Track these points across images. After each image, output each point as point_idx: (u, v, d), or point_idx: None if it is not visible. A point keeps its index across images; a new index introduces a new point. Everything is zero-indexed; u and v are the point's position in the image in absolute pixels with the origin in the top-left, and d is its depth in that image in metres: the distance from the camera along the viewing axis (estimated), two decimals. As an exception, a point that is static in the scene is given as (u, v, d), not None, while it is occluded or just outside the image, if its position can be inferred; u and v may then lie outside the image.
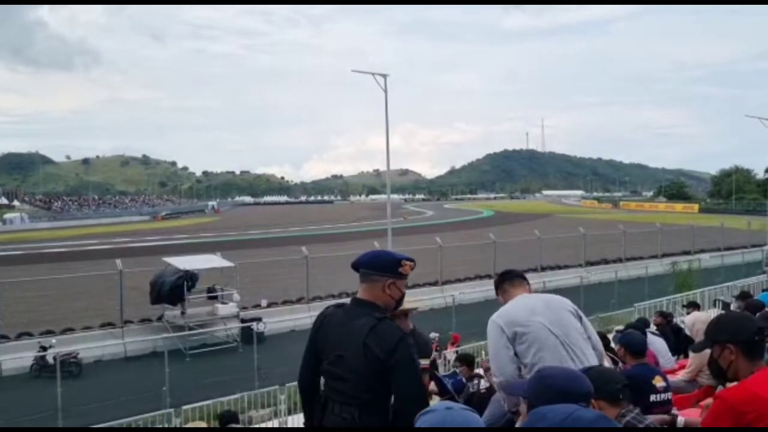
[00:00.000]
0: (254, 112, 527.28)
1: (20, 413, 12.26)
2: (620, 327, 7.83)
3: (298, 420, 9.70)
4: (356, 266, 2.61)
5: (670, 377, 4.34)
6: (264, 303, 20.71)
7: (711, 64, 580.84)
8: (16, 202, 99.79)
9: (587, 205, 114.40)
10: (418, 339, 3.13)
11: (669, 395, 3.75)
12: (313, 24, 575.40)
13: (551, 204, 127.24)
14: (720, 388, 4.16)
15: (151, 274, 19.20)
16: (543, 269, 26.41)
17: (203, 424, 6.41)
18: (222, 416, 6.88)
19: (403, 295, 2.58)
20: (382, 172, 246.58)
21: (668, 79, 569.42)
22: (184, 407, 9.46)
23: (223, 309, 18.74)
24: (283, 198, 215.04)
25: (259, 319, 17.66)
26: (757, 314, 5.14)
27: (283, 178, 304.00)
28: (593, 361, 2.94)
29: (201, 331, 17.48)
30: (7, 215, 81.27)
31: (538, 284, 18.91)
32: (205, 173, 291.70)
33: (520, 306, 3.05)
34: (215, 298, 19.30)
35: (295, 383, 10.19)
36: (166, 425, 9.27)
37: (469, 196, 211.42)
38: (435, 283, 23.17)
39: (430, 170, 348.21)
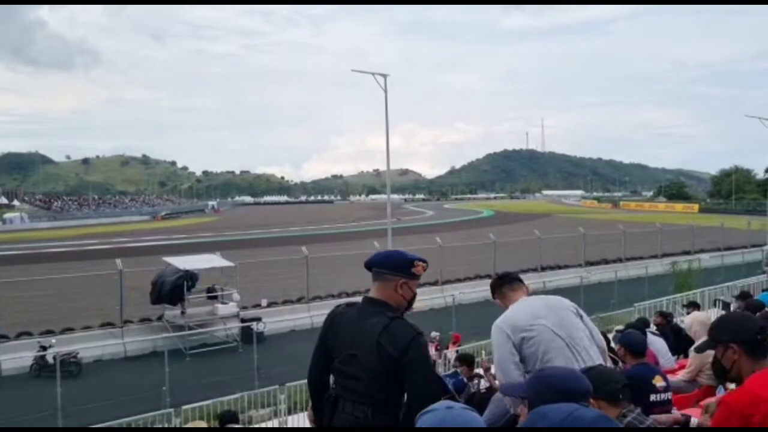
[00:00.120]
0: (254, 112, 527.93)
1: (20, 413, 12.25)
2: (620, 327, 7.81)
3: (298, 420, 9.71)
4: (369, 265, 2.62)
5: (670, 377, 4.34)
6: (264, 303, 20.71)
7: (711, 64, 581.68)
8: (16, 202, 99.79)
9: (587, 205, 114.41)
10: None
11: (669, 395, 3.75)
12: (313, 24, 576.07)
13: (551, 204, 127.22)
14: (720, 388, 4.17)
15: (151, 274, 19.19)
16: (543, 269, 26.42)
17: (203, 424, 6.40)
18: (222, 416, 6.87)
19: (414, 296, 2.59)
20: (382, 172, 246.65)
21: (668, 79, 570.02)
22: (184, 407, 9.46)
23: (223, 309, 18.74)
24: (283, 198, 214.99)
25: (258, 319, 17.65)
26: (757, 314, 5.13)
27: (283, 178, 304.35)
28: (598, 361, 2.95)
29: (201, 330, 17.47)
30: (7, 215, 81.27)
31: (538, 284, 18.94)
32: (205, 173, 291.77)
33: (523, 310, 3.04)
34: (215, 297, 19.30)
35: (295, 383, 10.17)
36: (166, 425, 9.26)
37: (469, 196, 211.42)
38: (435, 283, 23.16)
39: (430, 170, 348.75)
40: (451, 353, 12.51)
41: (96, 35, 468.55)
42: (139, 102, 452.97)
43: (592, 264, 27.88)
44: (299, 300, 21.24)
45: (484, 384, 5.91)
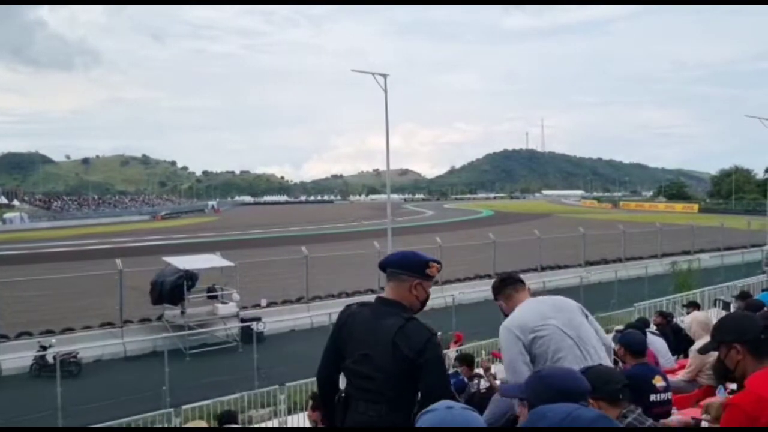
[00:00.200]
0: (254, 112, 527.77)
1: (20, 413, 12.25)
2: (620, 327, 7.81)
3: (297, 420, 9.71)
4: (384, 265, 2.64)
5: (669, 377, 4.34)
6: (264, 303, 20.71)
7: (711, 64, 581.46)
8: (15, 202, 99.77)
9: (587, 205, 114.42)
10: None
11: (669, 395, 3.75)
12: (313, 24, 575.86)
13: (551, 204, 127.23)
14: (720, 388, 4.17)
15: (150, 274, 19.19)
16: (543, 269, 26.43)
17: (203, 424, 6.39)
18: (221, 416, 6.87)
19: (428, 296, 2.61)
20: (382, 171, 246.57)
21: (668, 79, 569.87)
22: (184, 407, 9.46)
23: (223, 309, 18.74)
24: (283, 198, 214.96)
25: (258, 319, 17.64)
26: (757, 314, 5.13)
27: (283, 177, 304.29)
28: (607, 360, 2.97)
29: (201, 330, 17.46)
30: (7, 215, 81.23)
31: (537, 284, 18.93)
32: (204, 173, 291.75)
33: (531, 311, 3.04)
34: (215, 297, 19.30)
35: (295, 383, 10.15)
36: (166, 425, 9.27)
37: (468, 196, 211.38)
38: (435, 283, 23.00)
39: (430, 170, 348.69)
40: (452, 353, 12.50)
41: (96, 35, 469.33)
42: (139, 102, 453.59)
43: (591, 264, 27.88)
44: (299, 300, 21.24)
45: (484, 384, 5.91)
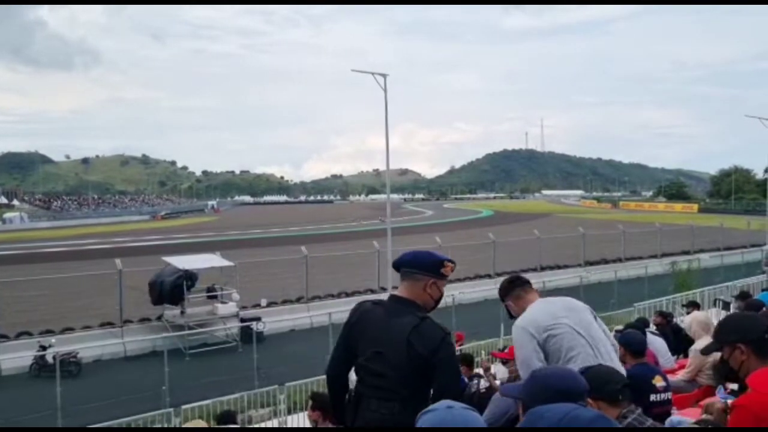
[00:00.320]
0: (254, 111, 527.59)
1: (19, 413, 12.25)
2: (620, 327, 7.81)
3: (297, 419, 9.71)
4: (398, 265, 2.65)
5: (669, 377, 4.34)
6: (263, 302, 20.71)
7: (711, 64, 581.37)
8: (15, 202, 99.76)
9: (587, 205, 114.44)
10: None
11: (669, 395, 3.75)
12: (313, 24, 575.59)
13: (551, 204, 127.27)
14: (720, 388, 4.17)
15: (150, 274, 19.19)
16: (542, 269, 26.43)
17: (202, 423, 6.39)
18: (220, 416, 6.87)
19: (441, 296, 2.63)
20: (382, 171, 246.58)
21: (668, 79, 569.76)
22: (184, 407, 9.46)
23: (223, 308, 18.73)
24: (283, 198, 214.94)
25: (258, 319, 17.65)
26: (759, 314, 5.13)
27: (282, 177, 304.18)
28: (617, 360, 3.02)
29: (200, 330, 17.45)
30: (7, 215, 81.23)
31: (537, 284, 18.71)
32: (204, 173, 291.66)
33: (543, 310, 3.06)
34: (215, 297, 19.29)
35: (295, 383, 10.13)
36: (165, 425, 9.27)
37: (468, 195, 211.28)
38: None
39: (429, 170, 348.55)
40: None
41: (96, 35, 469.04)
42: (139, 102, 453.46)
43: (591, 264, 27.89)
44: (299, 300, 21.24)
45: (484, 384, 5.90)
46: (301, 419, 9.30)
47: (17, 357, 15.01)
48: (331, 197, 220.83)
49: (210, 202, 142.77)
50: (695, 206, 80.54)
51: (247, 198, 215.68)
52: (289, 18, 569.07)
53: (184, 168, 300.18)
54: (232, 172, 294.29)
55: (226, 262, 19.79)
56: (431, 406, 1.67)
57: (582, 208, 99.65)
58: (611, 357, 2.96)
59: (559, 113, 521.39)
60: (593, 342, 2.95)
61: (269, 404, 10.45)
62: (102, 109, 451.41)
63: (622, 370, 3.10)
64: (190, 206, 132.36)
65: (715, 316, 8.68)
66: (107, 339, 17.11)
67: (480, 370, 6.70)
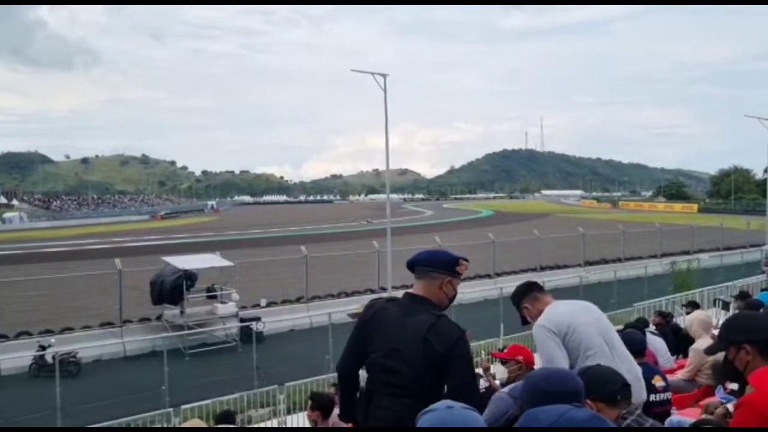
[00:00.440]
0: (254, 111, 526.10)
1: (19, 413, 12.24)
2: (619, 327, 7.80)
3: (297, 419, 9.71)
4: (413, 264, 2.67)
5: (669, 377, 4.34)
6: (263, 302, 20.70)
7: (711, 64, 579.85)
8: (15, 202, 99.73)
9: (586, 205, 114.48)
10: None
11: (668, 395, 3.75)
12: (313, 24, 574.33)
13: (550, 204, 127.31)
14: (719, 388, 4.17)
15: (150, 274, 19.20)
16: (542, 269, 26.43)
17: (201, 423, 6.37)
18: (219, 416, 6.86)
19: (455, 294, 2.66)
20: (382, 171, 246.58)
21: (668, 79, 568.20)
22: (183, 407, 9.46)
23: (222, 308, 18.73)
24: (283, 198, 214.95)
25: (258, 319, 17.66)
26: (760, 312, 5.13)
27: (282, 177, 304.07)
28: (634, 361, 3.14)
29: (200, 330, 17.46)
30: (6, 214, 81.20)
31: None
32: (204, 173, 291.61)
33: (562, 310, 3.14)
34: (214, 297, 19.29)
35: (294, 383, 10.08)
36: (165, 425, 9.27)
37: (468, 195, 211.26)
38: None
39: (429, 170, 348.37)
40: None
41: (96, 35, 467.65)
42: (139, 102, 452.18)
43: (591, 264, 27.90)
44: (298, 300, 21.24)
45: (483, 384, 5.90)
46: (301, 419, 9.30)
47: (17, 357, 15.01)
48: (331, 197, 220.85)
49: (209, 202, 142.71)
50: (695, 206, 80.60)
51: (247, 198, 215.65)
52: (289, 18, 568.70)
53: (184, 168, 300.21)
54: (232, 172, 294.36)
55: (225, 262, 19.79)
56: (431, 406, 1.67)
57: (582, 208, 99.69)
58: (628, 358, 3.06)
59: (559, 113, 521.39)
60: (610, 342, 3.04)
61: (269, 404, 10.45)
62: (102, 109, 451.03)
63: (639, 371, 3.15)
64: (190, 206, 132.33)
65: (714, 316, 8.69)
66: (107, 339, 17.11)
67: (479, 370, 6.70)
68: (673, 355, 6.50)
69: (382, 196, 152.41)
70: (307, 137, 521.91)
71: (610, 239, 30.66)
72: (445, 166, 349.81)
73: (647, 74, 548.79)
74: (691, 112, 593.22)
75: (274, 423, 10.15)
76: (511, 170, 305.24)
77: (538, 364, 3.38)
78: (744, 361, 2.24)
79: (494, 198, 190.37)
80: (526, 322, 3.33)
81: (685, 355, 6.01)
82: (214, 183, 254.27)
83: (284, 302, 21.25)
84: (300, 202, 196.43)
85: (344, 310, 15.76)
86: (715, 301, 12.63)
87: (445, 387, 2.42)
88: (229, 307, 18.82)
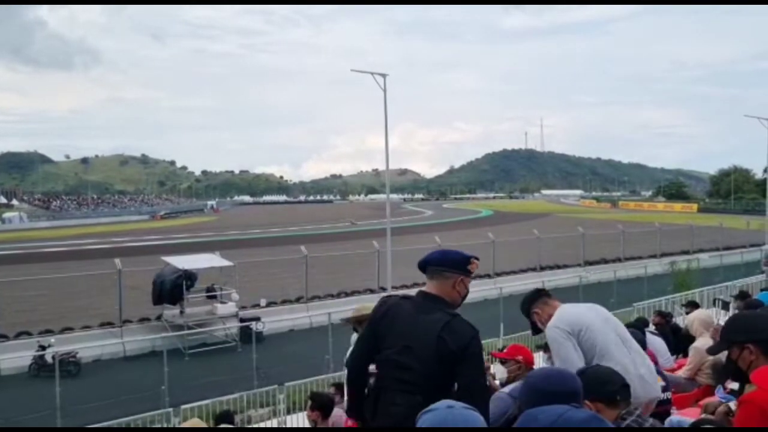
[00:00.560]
0: (253, 111, 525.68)
1: (19, 413, 12.23)
2: (619, 326, 7.83)
3: (297, 419, 9.71)
4: (425, 264, 2.69)
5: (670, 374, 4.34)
6: (263, 302, 20.70)
7: (711, 64, 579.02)
8: (14, 202, 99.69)
9: (586, 205, 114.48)
10: None
11: (668, 395, 3.75)
12: (313, 24, 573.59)
13: (550, 203, 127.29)
14: (719, 387, 4.17)
15: (150, 274, 19.19)
16: (542, 269, 26.43)
17: (201, 423, 6.37)
18: (218, 416, 6.86)
19: (467, 292, 2.68)
20: (381, 171, 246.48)
21: (668, 79, 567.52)
22: (183, 406, 9.45)
23: (222, 308, 18.72)
24: (282, 198, 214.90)
25: (257, 319, 17.67)
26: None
27: (282, 177, 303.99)
28: (647, 357, 3.22)
29: (200, 330, 17.45)
30: (6, 214, 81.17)
31: (537, 284, 18.89)
32: (204, 173, 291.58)
33: (573, 311, 3.20)
34: (214, 297, 19.29)
35: (294, 383, 10.07)
36: (165, 425, 9.26)
37: (468, 195, 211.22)
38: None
39: (429, 170, 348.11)
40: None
41: (96, 35, 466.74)
42: (139, 102, 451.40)
43: (591, 264, 27.90)
44: (298, 300, 21.24)
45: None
46: (301, 419, 9.29)
47: (16, 357, 15.00)
48: (331, 197, 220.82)
49: (209, 202, 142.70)
50: (695, 206, 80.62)
51: (247, 198, 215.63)
52: (289, 18, 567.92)
53: (184, 168, 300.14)
54: (232, 171, 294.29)
55: (225, 262, 19.78)
56: (431, 406, 1.67)
57: (581, 208, 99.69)
58: (641, 354, 3.12)
59: (559, 113, 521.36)
60: (624, 339, 3.12)
61: (268, 404, 10.45)
62: (102, 108, 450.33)
63: (652, 366, 3.17)
64: (190, 206, 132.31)
65: (714, 315, 8.68)
66: (106, 339, 17.10)
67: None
68: (672, 354, 6.50)
69: (381, 196, 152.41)
70: (306, 137, 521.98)
71: (609, 239, 30.66)
72: (444, 166, 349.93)
73: (647, 74, 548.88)
74: (690, 112, 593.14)
75: (273, 423, 10.15)
76: (511, 170, 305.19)
77: (538, 364, 3.40)
78: (747, 361, 2.24)
79: (494, 198, 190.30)
80: (537, 331, 3.35)
81: (685, 355, 6.02)
82: (213, 183, 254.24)
83: (284, 302, 21.24)
84: (300, 202, 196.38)
85: (344, 310, 15.76)
86: (714, 300, 12.61)
87: (456, 385, 2.44)
88: (229, 307, 18.82)
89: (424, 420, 1.61)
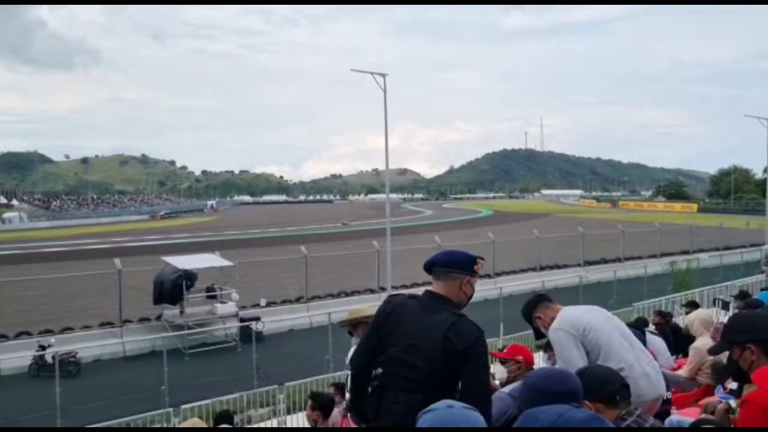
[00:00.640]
0: (253, 111, 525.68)
1: (19, 413, 12.23)
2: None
3: (296, 419, 9.71)
4: (431, 265, 2.71)
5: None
6: (263, 302, 20.70)
7: (711, 64, 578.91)
8: (14, 202, 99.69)
9: (586, 205, 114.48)
10: None
11: (669, 394, 3.75)
12: (313, 24, 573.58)
13: (550, 203, 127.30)
14: (719, 387, 4.17)
15: (150, 274, 19.19)
16: (542, 269, 26.42)
17: (200, 423, 6.37)
18: (217, 416, 6.86)
19: (473, 292, 2.71)
20: (381, 171, 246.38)
21: (668, 78, 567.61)
22: (183, 406, 9.46)
23: (222, 308, 18.73)
24: (282, 197, 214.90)
25: (257, 319, 17.67)
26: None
27: (282, 177, 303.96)
28: (649, 354, 3.22)
29: (200, 330, 17.45)
30: (6, 214, 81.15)
31: (537, 284, 18.96)
32: (204, 172, 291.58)
33: (575, 312, 3.22)
34: (214, 297, 19.29)
35: (294, 383, 10.08)
36: (165, 425, 9.26)
37: (468, 195, 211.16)
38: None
39: (429, 170, 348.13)
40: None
41: (95, 35, 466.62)
42: (139, 102, 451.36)
43: (591, 264, 27.89)
44: (298, 300, 21.24)
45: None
46: (301, 419, 9.29)
47: (16, 357, 15.00)
48: (331, 197, 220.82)
49: (209, 202, 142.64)
50: (694, 206, 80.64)
51: (247, 198, 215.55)
52: (288, 18, 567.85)
53: (184, 168, 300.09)
54: (232, 171, 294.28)
55: (225, 262, 19.79)
56: (431, 406, 1.67)
57: (581, 208, 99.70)
58: (645, 351, 3.14)
59: (559, 113, 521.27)
60: (628, 338, 3.12)
61: (268, 404, 10.45)
62: (102, 108, 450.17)
63: (656, 364, 3.17)
64: (190, 206, 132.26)
65: (714, 315, 8.68)
66: (106, 339, 17.10)
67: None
68: (672, 354, 6.50)
69: (381, 196, 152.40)
70: (306, 137, 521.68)
71: (609, 239, 30.65)
72: (444, 166, 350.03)
73: (647, 74, 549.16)
74: (690, 111, 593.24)
75: (273, 423, 10.15)
76: (511, 170, 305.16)
77: (538, 364, 3.40)
78: (749, 361, 2.24)
79: (494, 198, 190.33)
80: (540, 336, 3.37)
81: (685, 355, 6.02)
82: (213, 183, 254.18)
83: (284, 302, 21.24)
84: (300, 201, 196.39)
85: (344, 310, 15.75)
86: (714, 300, 12.60)
87: (459, 384, 2.45)
88: (229, 307, 18.82)
89: (424, 420, 1.61)
